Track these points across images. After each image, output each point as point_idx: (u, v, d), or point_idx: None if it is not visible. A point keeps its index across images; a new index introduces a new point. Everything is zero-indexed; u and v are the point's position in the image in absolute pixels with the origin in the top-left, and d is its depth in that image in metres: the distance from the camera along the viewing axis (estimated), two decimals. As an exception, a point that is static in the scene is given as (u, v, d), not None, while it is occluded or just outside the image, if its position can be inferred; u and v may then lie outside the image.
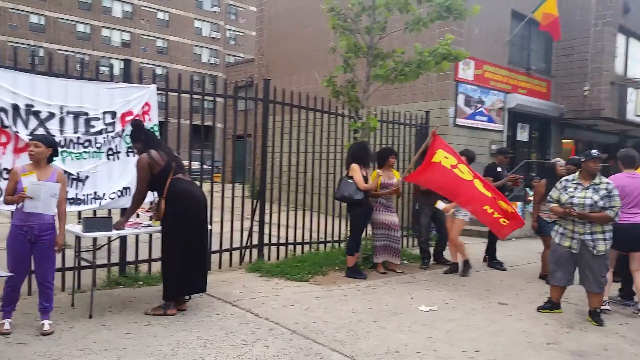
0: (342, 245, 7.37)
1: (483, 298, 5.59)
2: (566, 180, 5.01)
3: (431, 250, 7.41)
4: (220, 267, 6.29)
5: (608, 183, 4.77)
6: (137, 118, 5.13)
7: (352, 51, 6.79)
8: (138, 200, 4.58)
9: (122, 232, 4.65)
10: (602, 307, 5.05)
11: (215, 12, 50.42)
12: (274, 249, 6.91)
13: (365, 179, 6.24)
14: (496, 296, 5.69)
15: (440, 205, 6.66)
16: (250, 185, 10.60)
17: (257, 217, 6.71)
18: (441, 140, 6.42)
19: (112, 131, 5.10)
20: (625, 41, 14.66)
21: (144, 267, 5.75)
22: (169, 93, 5.84)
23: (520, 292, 5.92)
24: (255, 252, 6.71)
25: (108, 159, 5.12)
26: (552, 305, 5.12)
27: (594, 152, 4.84)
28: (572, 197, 4.79)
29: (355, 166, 6.24)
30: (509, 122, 13.16)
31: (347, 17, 6.73)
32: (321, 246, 7.43)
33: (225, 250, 6.43)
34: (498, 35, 12.62)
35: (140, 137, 4.60)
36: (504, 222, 5.99)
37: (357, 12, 6.72)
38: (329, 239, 7.56)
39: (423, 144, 6.74)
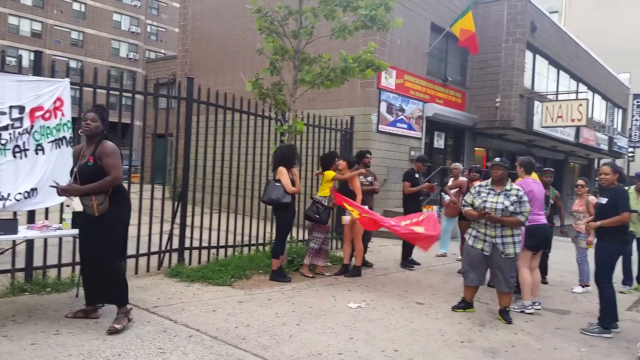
0: (267, 248, 7.32)
1: (402, 298, 5.78)
2: (480, 185, 5.33)
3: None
4: (136, 273, 6.00)
5: (518, 190, 5.13)
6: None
7: (279, 54, 6.78)
8: (109, 185, 4.08)
9: (29, 235, 4.30)
10: (536, 308, 5.56)
11: (135, 5, 48.36)
12: (195, 252, 6.71)
13: (293, 182, 6.27)
14: (414, 296, 5.91)
15: (346, 219, 6.75)
16: (171, 186, 10.24)
17: (178, 220, 6.49)
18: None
19: (20, 127, 4.70)
20: (532, 57, 15.90)
21: (53, 273, 5.36)
22: (84, 88, 5.51)
23: (436, 292, 6.20)
24: (175, 256, 6.48)
25: (14, 156, 4.71)
26: (465, 305, 5.40)
27: (496, 159, 5.24)
28: (485, 201, 5.10)
29: (282, 169, 6.24)
30: (427, 130, 13.78)
31: (273, 19, 6.72)
32: (245, 249, 7.33)
33: (143, 255, 6.15)
34: (418, 46, 13.19)
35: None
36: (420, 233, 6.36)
37: (283, 15, 6.73)
38: (253, 241, 7.47)
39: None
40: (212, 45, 15.42)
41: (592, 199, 6.63)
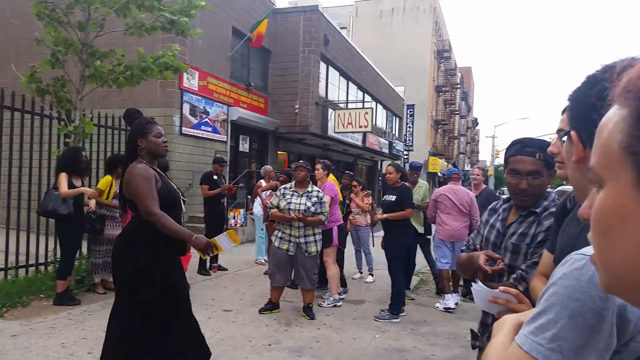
0: (51, 268, 6.33)
1: (208, 307, 5.60)
2: (284, 188, 5.49)
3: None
4: None
5: (319, 191, 5.46)
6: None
7: (62, 46, 5.96)
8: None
9: None
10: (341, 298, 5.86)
11: None
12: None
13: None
14: (221, 303, 5.79)
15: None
16: None
17: None
18: None
19: None
20: (326, 68, 17.16)
21: None
22: None
23: (244, 297, 6.18)
24: None
25: None
26: (272, 306, 5.49)
27: (300, 162, 5.57)
28: (290, 203, 5.27)
29: (62, 175, 5.43)
30: (232, 134, 13.78)
31: (55, 7, 5.88)
32: (22, 271, 6.18)
33: None
34: (221, 50, 13.09)
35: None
36: None
37: (68, 3, 5.94)
38: (32, 261, 6.33)
39: None
40: (-25, 29, 12.91)
41: (367, 194, 7.45)
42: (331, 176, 6.36)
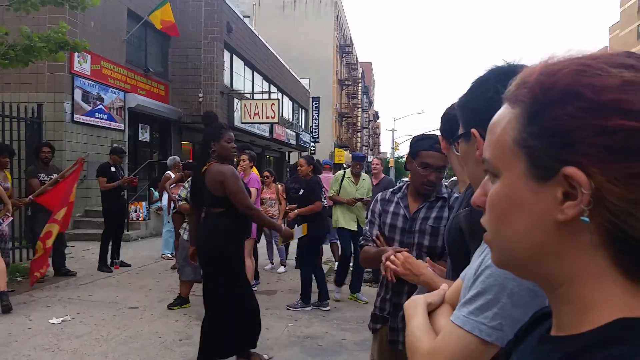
0: None
1: (113, 305, 5.29)
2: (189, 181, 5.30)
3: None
4: None
5: None
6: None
7: None
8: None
9: None
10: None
11: None
12: None
13: None
14: (126, 301, 5.50)
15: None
16: None
17: None
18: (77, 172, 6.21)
19: None
20: (230, 57, 16.80)
21: None
22: None
23: (150, 293, 5.91)
24: None
25: None
26: (181, 301, 5.32)
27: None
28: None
29: None
30: (130, 122, 13.02)
31: None
32: None
33: None
34: (115, 32, 12.27)
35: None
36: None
37: None
38: None
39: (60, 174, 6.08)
40: None
41: (280, 187, 7.43)
42: (254, 169, 6.24)
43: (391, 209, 2.30)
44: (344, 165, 41.33)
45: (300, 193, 5.60)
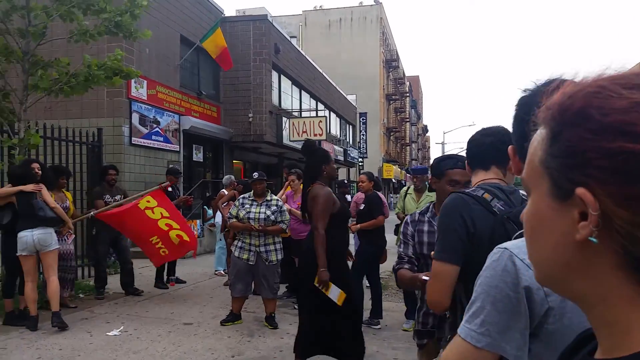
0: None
1: (168, 321, 5.44)
2: (243, 198, 5.43)
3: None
4: None
5: (278, 200, 5.43)
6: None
7: (2, 54, 5.68)
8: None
9: None
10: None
11: None
12: None
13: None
14: (181, 317, 5.64)
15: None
16: None
17: None
18: (161, 196, 6.43)
19: None
20: (278, 77, 17.16)
21: None
22: None
23: (204, 309, 6.04)
24: None
25: None
26: (233, 317, 5.39)
27: (255, 174, 5.49)
28: (249, 212, 5.21)
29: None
30: (185, 143, 13.50)
31: (-8, 14, 5.61)
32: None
33: None
34: (169, 58, 12.83)
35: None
36: (163, 252, 6.31)
37: (5, 10, 5.67)
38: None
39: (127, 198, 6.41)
40: None
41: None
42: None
43: (425, 228, 2.41)
44: (393, 180, 40.97)
45: (362, 208, 5.64)
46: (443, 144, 42.26)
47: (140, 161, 11.43)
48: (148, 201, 6.23)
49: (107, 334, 4.89)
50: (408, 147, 55.95)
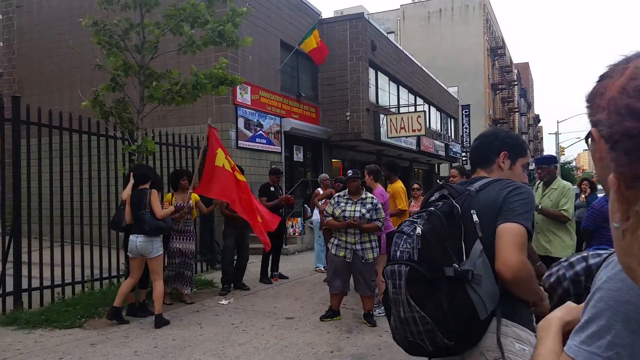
0: (122, 280, 6.65)
1: (271, 315, 5.69)
2: (338, 196, 5.50)
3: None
4: (-40, 326, 5.07)
5: (373, 198, 5.41)
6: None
7: (122, 69, 6.30)
8: None
9: None
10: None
11: (-53, 16, 41.88)
12: (36, 294, 5.84)
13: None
14: (283, 311, 5.87)
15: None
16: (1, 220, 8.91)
17: (11, 258, 5.62)
18: (216, 137, 6.45)
19: None
20: (375, 74, 17.11)
21: None
22: None
23: (305, 304, 6.23)
24: (10, 300, 5.59)
25: None
26: (332, 313, 5.50)
27: (349, 172, 5.49)
28: (344, 210, 5.27)
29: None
30: (286, 144, 14.00)
31: (113, 33, 6.24)
32: (97, 284, 6.57)
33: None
34: (270, 63, 13.38)
35: None
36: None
37: (124, 29, 6.29)
38: (105, 274, 6.71)
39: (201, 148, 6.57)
40: (46, 61, 13.90)
41: None
42: (399, 182, 6.31)
43: None
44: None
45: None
46: (557, 134, 39.27)
47: (246, 163, 12.04)
48: (226, 158, 6.25)
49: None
50: (517, 139, 52.68)
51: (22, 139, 5.82)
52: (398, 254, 1.70)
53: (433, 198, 1.82)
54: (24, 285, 5.70)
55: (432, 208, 1.73)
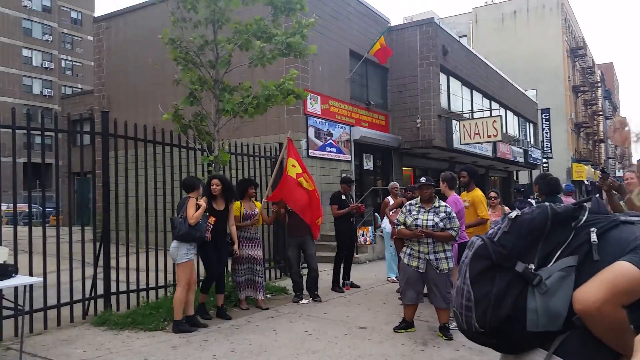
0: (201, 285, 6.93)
1: (344, 324, 5.67)
2: (410, 204, 5.39)
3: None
4: (59, 324, 5.49)
5: (446, 206, 5.24)
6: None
7: (198, 84, 6.61)
8: None
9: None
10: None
11: (47, 40, 46.08)
12: (123, 297, 6.23)
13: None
14: (356, 321, 5.83)
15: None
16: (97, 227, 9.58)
17: (101, 263, 6.03)
18: (293, 148, 7.16)
19: None
20: (446, 79, 16.73)
21: None
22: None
23: (377, 314, 6.15)
24: (101, 302, 6.00)
25: None
26: (406, 325, 5.38)
27: (422, 179, 5.31)
28: (416, 219, 5.15)
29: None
30: (356, 153, 14.01)
31: (189, 50, 6.57)
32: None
33: (65, 304, 5.64)
34: (340, 72, 13.48)
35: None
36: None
37: (199, 45, 6.60)
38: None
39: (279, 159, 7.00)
40: (131, 78, 14.91)
41: (507, 209, 6.93)
42: (478, 190, 6.13)
43: None
44: (585, 182, 36.51)
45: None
46: (648, 137, 36.28)
47: (316, 172, 12.18)
48: (293, 165, 6.95)
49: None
50: (602, 143, 49.40)
51: (110, 151, 6.26)
52: (490, 230, 1.61)
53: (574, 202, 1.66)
54: (113, 288, 6.10)
55: (551, 205, 1.59)
